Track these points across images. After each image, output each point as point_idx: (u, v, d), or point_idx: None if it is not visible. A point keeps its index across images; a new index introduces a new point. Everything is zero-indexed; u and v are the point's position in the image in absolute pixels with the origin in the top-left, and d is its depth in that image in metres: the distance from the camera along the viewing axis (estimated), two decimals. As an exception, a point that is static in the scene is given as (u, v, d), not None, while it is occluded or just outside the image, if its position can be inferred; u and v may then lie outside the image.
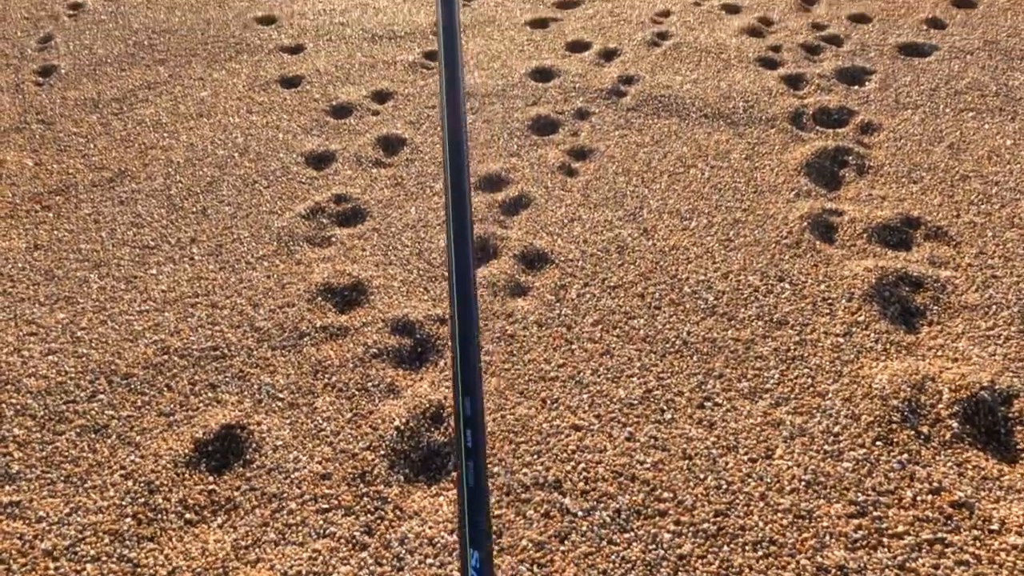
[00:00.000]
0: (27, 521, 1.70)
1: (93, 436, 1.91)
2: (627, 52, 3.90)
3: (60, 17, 4.69)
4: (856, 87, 3.47)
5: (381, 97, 3.61)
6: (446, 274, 2.42)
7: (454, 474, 1.74)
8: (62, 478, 1.80)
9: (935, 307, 2.12)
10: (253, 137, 3.31)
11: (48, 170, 3.16)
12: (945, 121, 3.14)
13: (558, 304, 2.25)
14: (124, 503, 1.72)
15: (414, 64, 3.89)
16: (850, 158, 2.93)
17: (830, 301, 2.17)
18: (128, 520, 1.67)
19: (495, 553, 1.51)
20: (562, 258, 2.45)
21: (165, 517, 1.68)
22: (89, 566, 1.58)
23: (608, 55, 3.90)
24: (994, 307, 2.09)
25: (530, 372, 2.00)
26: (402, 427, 1.84)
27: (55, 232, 2.77)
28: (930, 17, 4.12)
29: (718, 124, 3.23)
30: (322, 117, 3.44)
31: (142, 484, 1.76)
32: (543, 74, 3.73)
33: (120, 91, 3.76)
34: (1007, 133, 3.03)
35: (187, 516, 1.68)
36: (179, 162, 3.15)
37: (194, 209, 2.85)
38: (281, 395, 1.99)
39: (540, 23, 4.35)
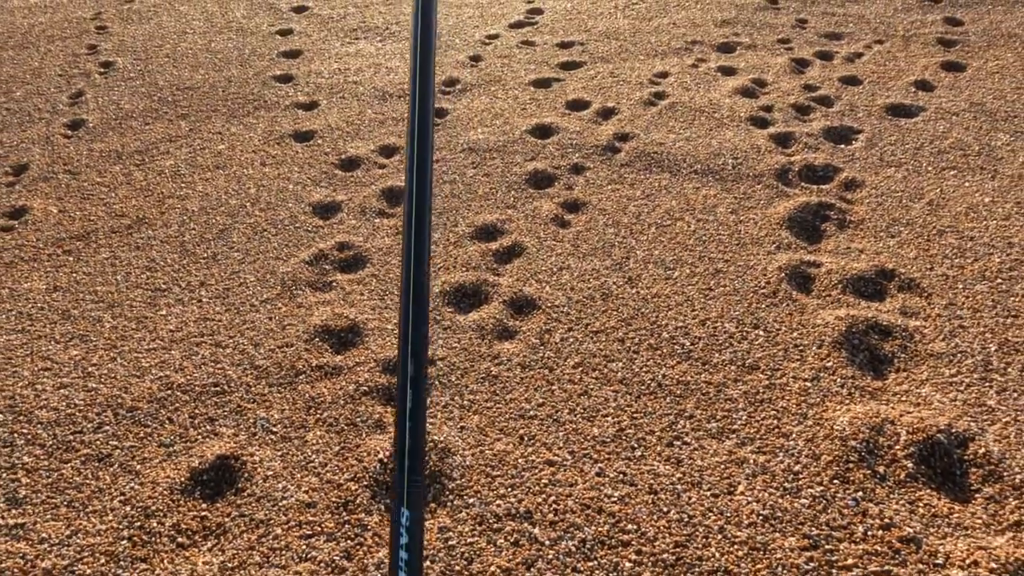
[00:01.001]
0: (30, 542, 1.80)
1: (97, 464, 2.03)
2: (624, 111, 4.09)
3: (92, 74, 4.98)
4: (843, 145, 3.62)
5: (388, 152, 3.80)
6: (437, 318, 2.55)
7: (432, 504, 1.83)
8: (65, 503, 1.91)
9: (902, 355, 2.21)
10: (265, 188, 3.50)
11: (71, 217, 3.35)
12: (927, 178, 3.27)
13: (542, 347, 2.36)
14: (121, 527, 1.82)
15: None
16: (832, 213, 3.05)
17: (801, 348, 2.26)
18: (124, 543, 1.78)
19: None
20: (549, 304, 2.58)
21: (159, 540, 1.78)
22: (85, 584, 1.68)
23: (606, 113, 4.08)
24: (959, 355, 2.18)
25: (511, 411, 2.11)
26: (385, 459, 1.94)
27: (74, 275, 2.94)
28: (919, 79, 4.28)
29: (707, 180, 3.37)
30: (331, 170, 3.63)
31: (139, 509, 1.87)
32: (543, 131, 3.92)
33: (143, 143, 3.99)
34: (986, 191, 3.14)
35: (179, 540, 1.78)
36: (194, 210, 3.33)
37: (205, 255, 3.01)
38: (275, 429, 2.10)
39: (543, 83, 4.56)
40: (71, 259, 3.05)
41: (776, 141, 3.68)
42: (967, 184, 3.20)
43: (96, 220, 3.31)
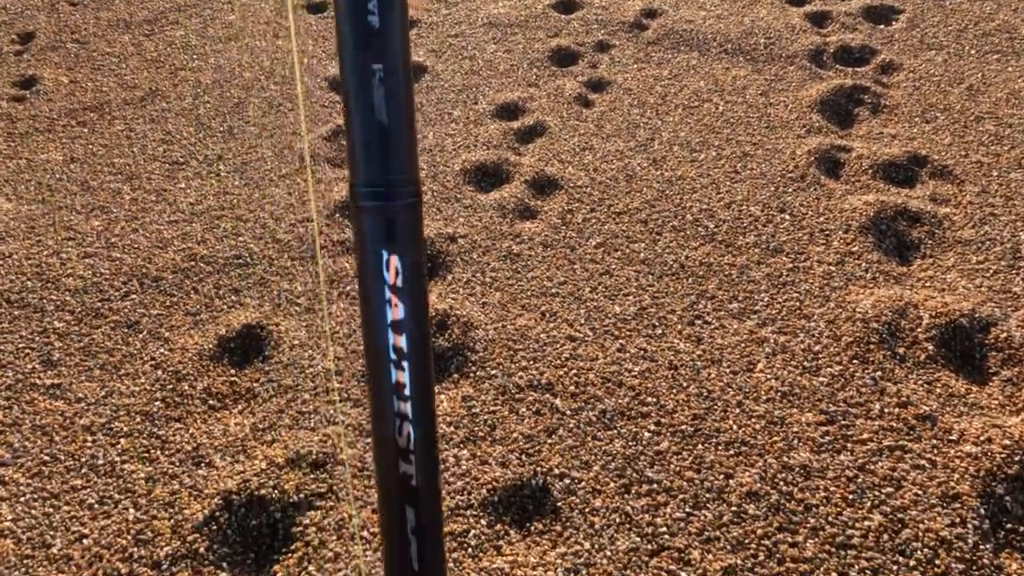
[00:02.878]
0: (67, 401, 1.87)
1: (126, 331, 2.07)
2: (653, -15, 3.88)
3: (94, -62, 4.75)
4: (882, 26, 3.44)
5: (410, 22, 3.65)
6: (458, 196, 2.52)
7: (456, 375, 1.87)
8: (98, 366, 1.96)
9: (930, 241, 2.18)
10: (279, 61, 3.39)
11: (83, 88, 3.28)
12: (968, 63, 3.12)
13: (564, 227, 2.35)
14: (154, 389, 1.88)
15: (439, -7, 3.91)
16: (866, 97, 2.94)
17: (827, 232, 2.23)
18: (158, 403, 1.84)
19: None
20: (571, 184, 2.54)
21: (191, 402, 1.84)
22: (123, 440, 1.75)
23: (633, -12, 3.88)
24: (988, 243, 2.15)
25: (532, 288, 2.11)
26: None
27: (90, 146, 2.91)
28: (968, -43, 4.02)
29: (737, 60, 3.24)
30: (347, 43, 3.50)
31: (170, 373, 1.92)
32: (567, 5, 3.74)
33: (151, 12, 3.85)
34: (1029, 76, 3.01)
35: (211, 402, 1.84)
36: (207, 83, 3.25)
37: (221, 128, 2.96)
38: (299, 300, 2.13)
39: (567, -46, 4.31)
40: (86, 131, 3.00)
41: (812, 20, 3.50)
42: (1010, 69, 3.06)
43: (108, 91, 3.24)
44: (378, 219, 0.62)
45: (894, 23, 3.46)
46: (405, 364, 0.65)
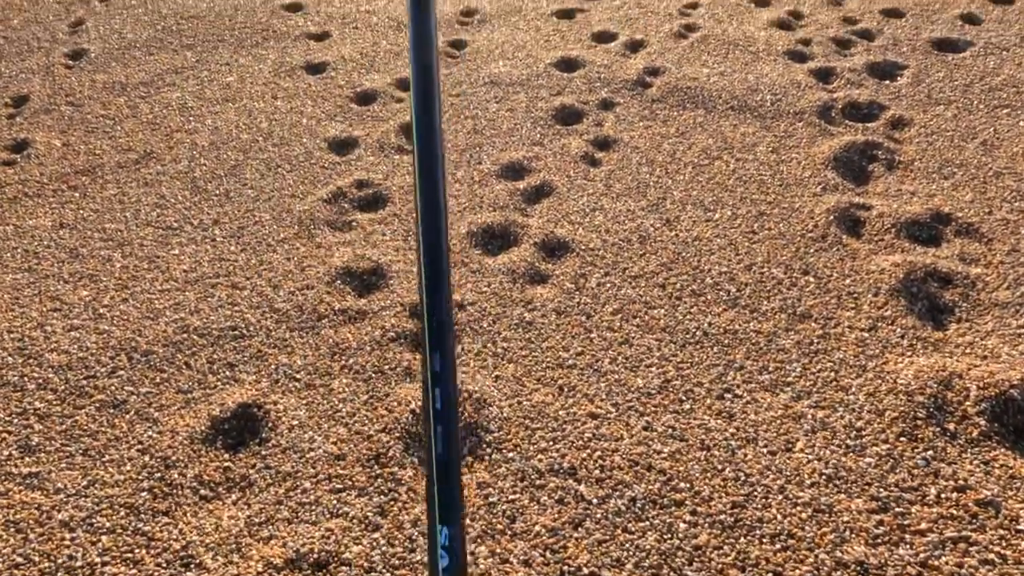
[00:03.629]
0: (45, 492, 1.71)
1: (112, 411, 1.93)
2: (653, 44, 3.86)
3: (91, 2, 4.74)
4: (887, 82, 3.41)
5: (405, 85, 3.60)
6: (465, 261, 2.41)
7: (469, 457, 1.72)
8: (80, 451, 1.81)
9: (964, 304, 2.07)
10: (277, 122, 3.32)
11: (75, 151, 3.19)
12: (979, 117, 3.07)
13: (578, 292, 2.23)
14: (140, 478, 1.73)
15: (439, 52, 3.87)
16: (879, 153, 2.87)
17: (855, 295, 2.12)
18: (144, 494, 1.68)
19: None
20: (583, 247, 2.43)
21: (180, 492, 1.68)
22: (104, 538, 1.59)
23: (634, 46, 3.86)
24: (1026, 305, 2.04)
25: (548, 359, 1.99)
26: (418, 410, 1.83)
27: (81, 211, 2.80)
28: (965, 12, 4.03)
29: (745, 117, 3.18)
30: (346, 104, 3.44)
31: (159, 459, 1.77)
32: (568, 64, 3.71)
33: (148, 75, 3.79)
34: (1043, 130, 2.95)
35: (202, 492, 1.68)
36: (204, 145, 3.17)
37: (217, 192, 2.86)
38: (298, 376, 1.99)
39: (566, 13, 4.32)
40: (77, 195, 2.90)
41: (816, 76, 3.47)
42: (1022, 123, 3.01)
43: (101, 154, 3.15)
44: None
45: (899, 79, 3.43)
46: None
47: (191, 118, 3.39)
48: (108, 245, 2.60)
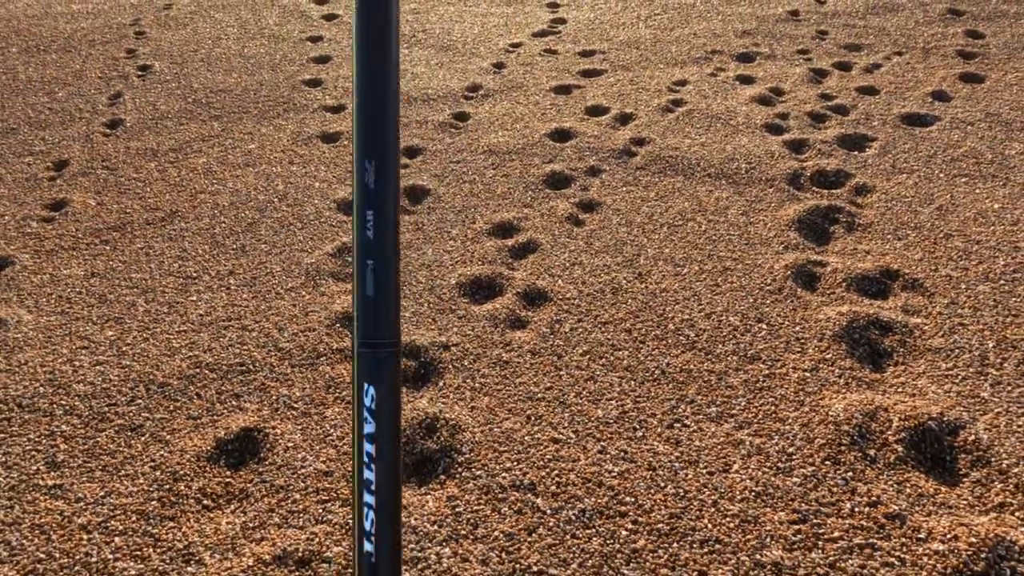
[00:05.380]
0: (67, 501, 1.93)
1: (129, 434, 2.16)
2: (642, 117, 4.19)
3: (130, 77, 5.19)
4: (856, 152, 3.68)
5: (411, 152, 3.93)
6: (452, 308, 2.66)
7: (442, 476, 1.93)
8: (100, 467, 2.04)
9: (901, 349, 2.28)
10: (292, 185, 3.64)
11: (108, 209, 3.52)
12: (938, 185, 3.32)
13: (552, 336, 2.46)
14: (151, 489, 1.95)
15: (443, 124, 4.23)
16: (841, 216, 3.12)
17: (803, 340, 2.34)
18: (154, 503, 1.90)
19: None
20: (560, 296, 2.68)
21: (185, 502, 1.90)
22: (117, 539, 1.80)
23: (624, 119, 4.19)
24: (957, 351, 2.24)
25: (520, 393, 2.20)
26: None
27: (110, 262, 3.10)
28: (936, 90, 4.33)
29: (720, 183, 3.45)
30: (356, 169, 3.76)
31: (168, 474, 1.99)
32: (562, 135, 4.03)
33: (177, 142, 4.16)
34: (996, 197, 3.19)
35: (205, 502, 1.90)
36: (224, 205, 3.48)
37: (234, 246, 3.16)
38: (296, 405, 2.22)
39: (564, 89, 4.67)
40: (108, 248, 3.20)
41: (790, 147, 3.75)
42: (978, 191, 3.25)
43: (132, 212, 3.47)
44: (364, 361, 0.83)
45: (867, 150, 3.70)
46: (374, 466, 0.85)
47: (214, 181, 3.72)
48: (133, 292, 2.88)
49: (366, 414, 0.84)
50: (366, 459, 0.84)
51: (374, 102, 0.79)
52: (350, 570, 1.66)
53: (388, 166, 0.79)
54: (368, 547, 0.83)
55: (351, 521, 0.78)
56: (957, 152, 3.61)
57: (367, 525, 0.84)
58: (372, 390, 0.84)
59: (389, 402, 0.84)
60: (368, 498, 0.84)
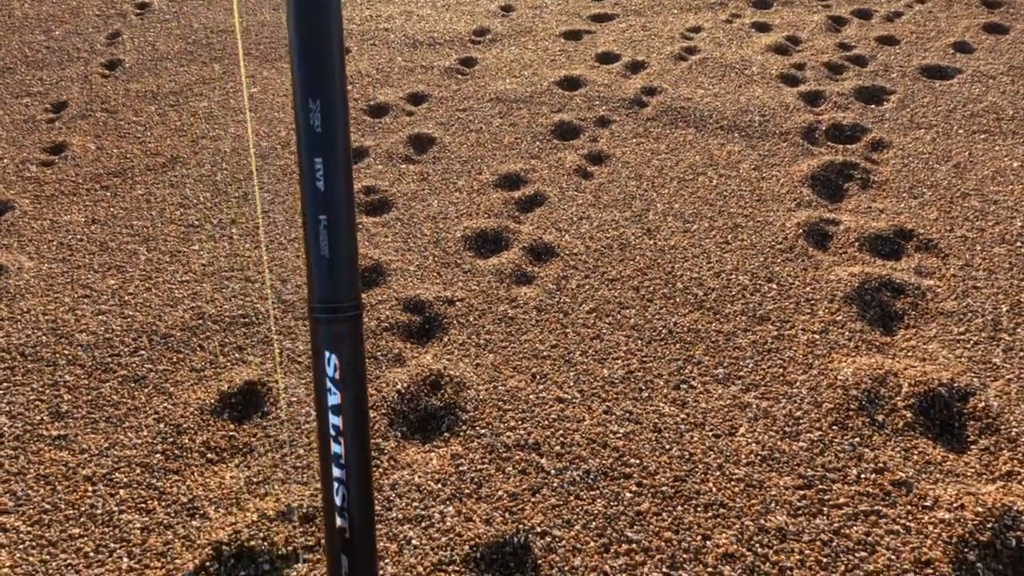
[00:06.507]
0: (72, 452, 1.94)
1: (133, 385, 2.15)
2: (654, 65, 4.07)
3: (128, 15, 5.05)
4: (873, 106, 3.58)
5: (417, 99, 3.84)
6: (458, 262, 2.62)
7: (446, 434, 1.93)
8: (104, 418, 2.04)
9: (913, 312, 2.24)
10: (294, 132, 3.56)
11: (109, 154, 3.46)
12: (956, 142, 3.24)
13: (558, 292, 2.43)
14: (155, 442, 1.95)
15: (450, 69, 4.12)
16: (856, 172, 3.05)
17: (813, 302, 2.30)
18: (158, 456, 1.90)
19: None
20: (567, 252, 2.63)
21: (190, 455, 1.90)
22: (122, 491, 1.81)
23: (635, 67, 4.07)
24: (969, 315, 2.20)
25: (525, 351, 2.18)
26: (403, 391, 2.03)
27: (111, 209, 3.05)
28: (959, 41, 4.20)
29: (732, 136, 3.37)
30: (360, 116, 3.68)
31: (172, 427, 1.99)
32: (571, 83, 3.92)
33: (178, 85, 4.07)
34: (1016, 155, 3.11)
35: (209, 455, 1.90)
36: (226, 151, 3.42)
37: (236, 194, 3.10)
38: (299, 359, 2.21)
39: (574, 35, 4.54)
40: (108, 194, 3.15)
41: (806, 99, 3.65)
42: (997, 148, 3.17)
43: (132, 158, 3.41)
44: (324, 328, 0.74)
45: (885, 103, 3.60)
46: (341, 439, 0.77)
47: (216, 126, 3.65)
48: (135, 240, 2.84)
49: (329, 384, 0.76)
50: (332, 432, 0.77)
51: (313, 29, 0.66)
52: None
53: (335, 105, 0.66)
54: (340, 522, 0.79)
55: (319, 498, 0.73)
56: (977, 107, 3.51)
57: (338, 500, 0.78)
58: (334, 358, 0.76)
59: (354, 370, 0.76)
60: (338, 472, 0.78)
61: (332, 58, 0.67)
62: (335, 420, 0.77)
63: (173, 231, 2.88)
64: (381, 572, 1.56)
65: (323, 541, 0.76)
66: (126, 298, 2.52)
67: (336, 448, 0.77)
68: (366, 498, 0.79)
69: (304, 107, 0.68)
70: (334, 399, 0.76)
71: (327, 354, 0.74)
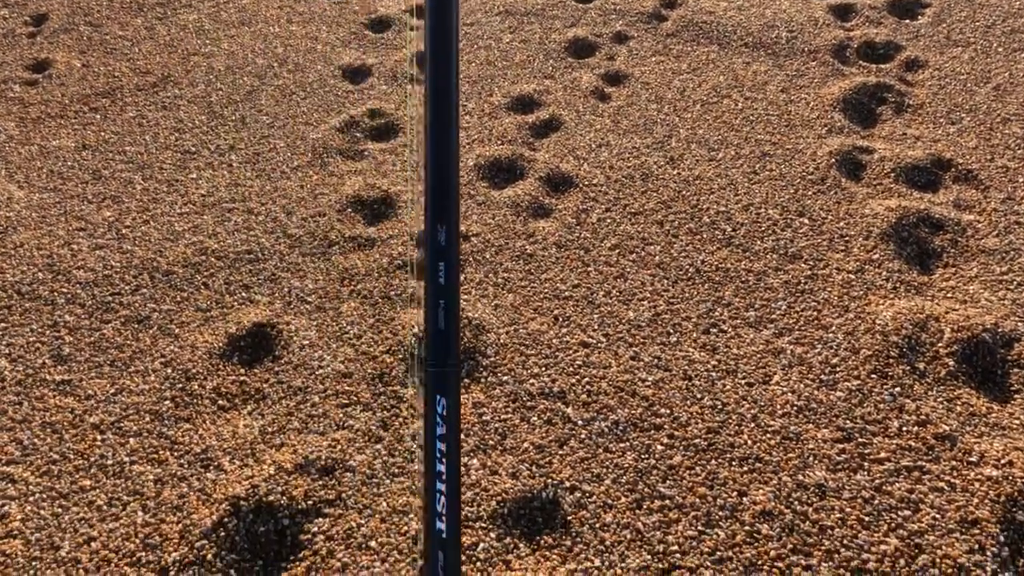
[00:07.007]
0: (77, 398, 1.86)
1: (136, 326, 2.06)
2: (673, -26, 3.80)
3: (107, -84, 4.69)
4: (907, 20, 3.36)
5: (421, 12, 3.60)
6: (471, 193, 2.49)
7: (467, 380, 1.85)
8: (108, 362, 1.96)
9: (952, 249, 2.14)
10: (292, 48, 3.35)
11: (95, 72, 3.25)
12: (996, 61, 3.05)
13: (578, 227, 2.31)
14: (164, 388, 1.87)
15: (455, -21, 3.85)
16: (890, 95, 2.88)
17: (847, 238, 2.19)
18: (167, 403, 1.83)
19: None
20: (586, 182, 2.50)
21: (200, 402, 1.83)
22: (132, 440, 1.74)
23: (653, -23, 3.80)
24: (1012, 253, 2.10)
25: (545, 290, 2.09)
26: (421, 334, 1.95)
27: (102, 133, 2.89)
28: (997, -52, 3.92)
29: (758, 54, 3.17)
30: (361, 30, 3.45)
31: (180, 372, 1.91)
32: (585, -6, 3.67)
33: (165, -5, 3.81)
34: (1059, 76, 2.93)
35: (220, 402, 1.83)
36: (220, 70, 3.22)
37: (233, 117, 2.93)
38: (309, 299, 2.11)
39: (586, -60, 4.23)
40: (98, 117, 2.98)
41: (835, 13, 3.43)
42: (1039, 68, 2.99)
43: (121, 76, 3.21)
44: (437, 377, 1.02)
45: (920, 17, 3.38)
46: (443, 460, 1.03)
47: (207, 41, 3.43)
48: (129, 167, 2.69)
49: (438, 419, 1.02)
50: (438, 455, 1.02)
51: (442, 176, 1.00)
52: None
53: (453, 228, 1.00)
54: (440, 526, 1.01)
55: (422, 505, 1.00)
56: (1018, 22, 3.29)
57: (439, 508, 1.01)
58: (443, 400, 1.02)
59: (454, 409, 1.03)
60: (440, 486, 1.02)
61: (453, 195, 1.01)
62: (440, 446, 1.02)
63: (169, 158, 2.73)
64: (406, 528, 1.51)
65: (420, 543, 0.92)
66: (123, 231, 2.40)
67: (439, 467, 1.02)
68: (457, 507, 1.04)
69: (434, 228, 0.99)
70: (440, 430, 1.02)
71: (438, 397, 1.01)
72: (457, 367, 1.02)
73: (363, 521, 1.52)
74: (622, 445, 1.63)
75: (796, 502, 1.49)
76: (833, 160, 2.52)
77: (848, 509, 1.46)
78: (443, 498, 1.01)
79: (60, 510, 1.60)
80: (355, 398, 1.80)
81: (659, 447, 1.62)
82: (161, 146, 2.79)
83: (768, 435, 1.63)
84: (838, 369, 1.77)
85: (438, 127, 1.00)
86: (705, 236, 2.24)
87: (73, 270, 2.26)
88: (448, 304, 0.99)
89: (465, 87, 3.05)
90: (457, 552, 1.03)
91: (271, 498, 1.56)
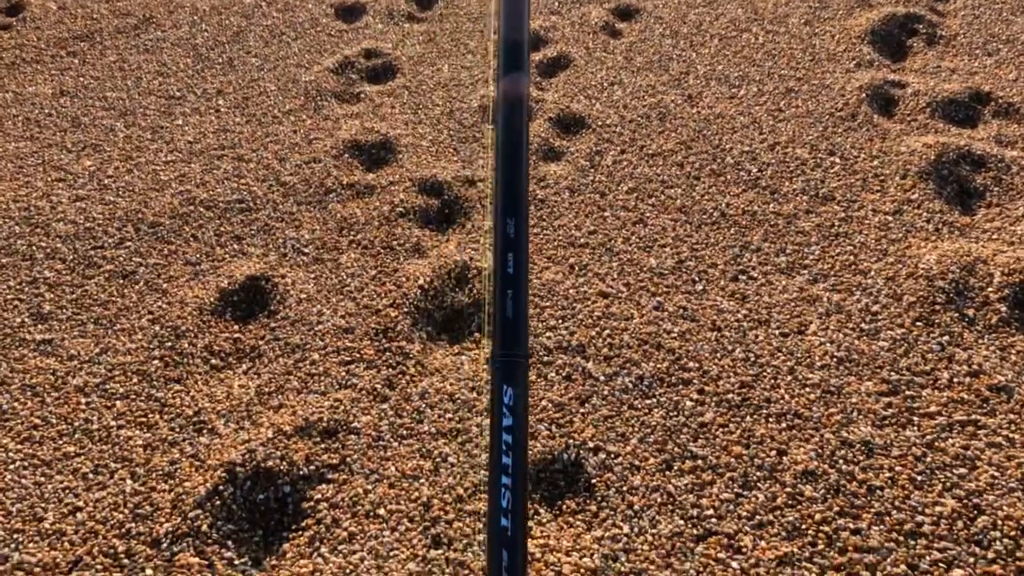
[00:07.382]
0: (59, 359, 1.73)
1: (121, 281, 1.92)
2: (685, -97, 3.57)
3: None
4: (936, -52, 3.15)
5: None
6: (477, 136, 2.33)
7: (477, 334, 1.72)
8: (92, 320, 1.82)
9: (996, 188, 1.99)
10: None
11: (72, 14, 3.06)
12: (1032, -11, 2.85)
13: (592, 170, 2.16)
14: (152, 346, 1.74)
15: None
16: (920, 26, 2.69)
17: (882, 178, 2.04)
18: (156, 362, 1.70)
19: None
20: (599, 123, 2.33)
21: (191, 361, 1.70)
22: (119, 403, 1.61)
23: (663, -94, 3.57)
24: (1061, 190, 1.95)
25: (559, 238, 1.94)
26: (426, 286, 1.81)
27: (80, 79, 2.71)
28: None
29: (778, -15, 2.97)
30: (354, -34, 3.24)
31: (169, 329, 1.77)
32: (591, -75, 3.45)
33: (144, -68, 3.57)
34: (1100, 4, 2.74)
35: (212, 361, 1.70)
36: (205, 10, 3.02)
37: (220, 60, 2.75)
38: (306, 250, 1.97)
39: None
40: (76, 61, 2.80)
41: (859, -59, 3.21)
42: (1079, -4, 2.79)
43: (99, 19, 3.02)
44: (505, 367, 0.98)
45: (949, -55, 3.16)
46: (510, 453, 0.97)
47: (191, -20, 3.22)
48: (110, 114, 2.52)
49: (504, 410, 0.97)
50: (504, 447, 0.97)
51: (513, 172, 1.01)
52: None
53: (522, 222, 1.00)
54: (504, 522, 0.95)
55: (486, 502, 0.94)
56: (1054, -52, 3.08)
57: (504, 503, 0.95)
58: (510, 390, 0.97)
59: (522, 400, 0.98)
60: (505, 480, 0.96)
61: (523, 190, 1.02)
62: (507, 437, 0.97)
63: (152, 104, 2.56)
64: (417, 494, 1.39)
65: (485, 539, 0.81)
66: (106, 181, 2.25)
67: (505, 460, 0.96)
68: (522, 503, 0.97)
69: (503, 221, 1.00)
70: (507, 421, 0.97)
71: (504, 387, 0.97)
72: (526, 357, 0.99)
73: (370, 487, 1.40)
74: (648, 402, 1.51)
75: (841, 461, 1.36)
76: (863, 95, 2.35)
77: (898, 468, 1.34)
78: (508, 493, 0.95)
79: (43, 478, 1.48)
80: (358, 355, 1.67)
81: (688, 403, 1.50)
82: (144, 91, 2.62)
83: (807, 389, 1.50)
84: (880, 317, 1.64)
85: (509, 127, 1.03)
86: (729, 178, 2.09)
87: (52, 223, 2.11)
88: (516, 293, 0.98)
89: (466, 25, 2.86)
90: (523, 552, 0.97)
91: (270, 463, 1.44)
